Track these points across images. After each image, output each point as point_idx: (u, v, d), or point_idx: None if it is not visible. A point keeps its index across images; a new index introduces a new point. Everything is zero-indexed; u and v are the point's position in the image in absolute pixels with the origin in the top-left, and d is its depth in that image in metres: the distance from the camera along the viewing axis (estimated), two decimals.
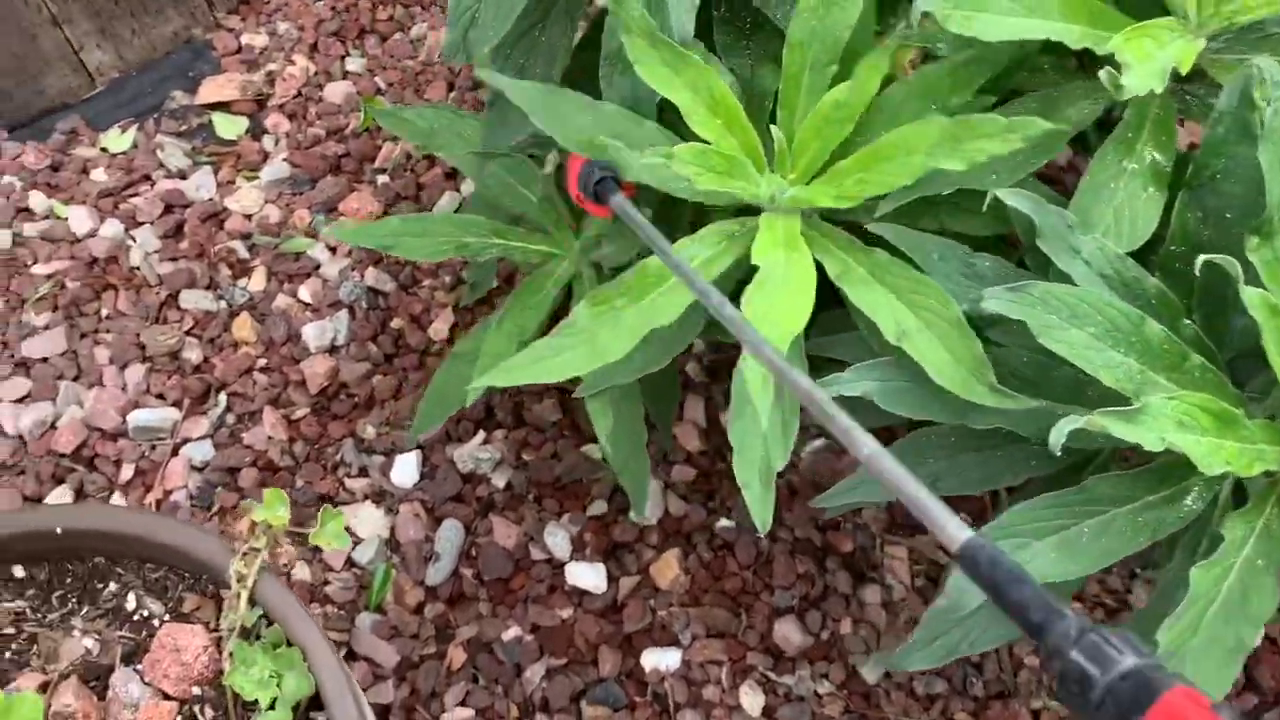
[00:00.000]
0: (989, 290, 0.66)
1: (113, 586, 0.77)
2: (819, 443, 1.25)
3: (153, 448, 1.25)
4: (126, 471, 1.24)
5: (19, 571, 0.77)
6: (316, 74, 1.50)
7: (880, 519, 1.21)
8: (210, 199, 1.41)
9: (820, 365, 0.81)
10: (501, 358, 0.89)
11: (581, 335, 0.70)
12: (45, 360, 1.30)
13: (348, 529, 1.22)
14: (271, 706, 0.70)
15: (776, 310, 0.68)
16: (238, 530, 0.75)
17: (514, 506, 1.22)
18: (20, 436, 1.26)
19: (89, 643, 0.76)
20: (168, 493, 1.23)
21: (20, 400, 1.28)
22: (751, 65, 0.83)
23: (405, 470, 1.24)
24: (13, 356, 1.31)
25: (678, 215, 0.85)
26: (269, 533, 0.70)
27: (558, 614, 1.16)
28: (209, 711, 0.73)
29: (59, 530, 0.74)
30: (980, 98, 0.75)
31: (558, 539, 1.18)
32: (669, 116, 0.77)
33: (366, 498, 1.23)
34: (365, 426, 1.27)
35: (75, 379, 1.29)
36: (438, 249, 0.93)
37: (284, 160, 1.42)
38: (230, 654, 0.71)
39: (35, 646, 0.75)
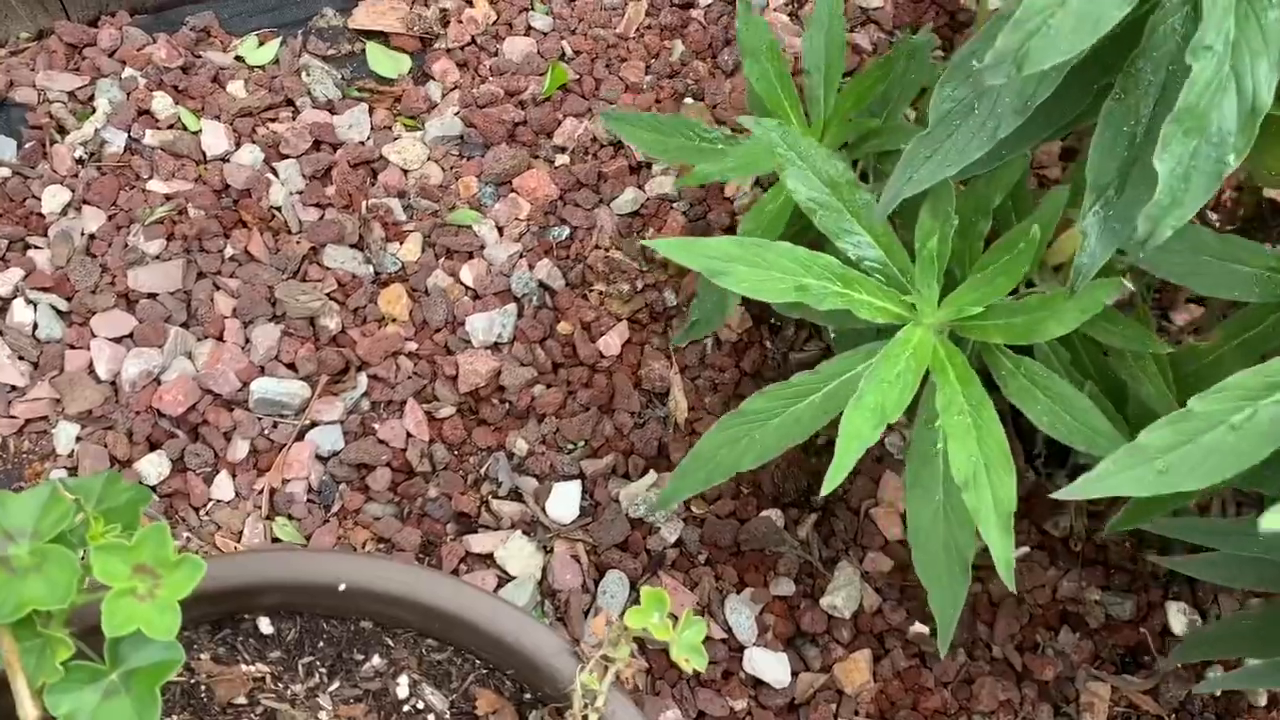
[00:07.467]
0: None
1: (376, 661, 0.60)
2: (1023, 549, 1.12)
3: (274, 425, 1.06)
4: (239, 448, 1.04)
5: (266, 626, 0.58)
6: (496, 23, 1.31)
7: (1084, 648, 1.08)
8: (363, 142, 1.21)
9: None
10: (863, 440, 0.73)
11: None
12: (154, 297, 1.09)
13: (493, 559, 1.04)
14: None
15: None
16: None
17: (685, 568, 1.06)
18: (113, 383, 1.06)
19: None
20: (285, 481, 1.04)
21: (119, 339, 1.07)
22: None
23: (565, 501, 1.07)
24: (113, 284, 1.10)
25: None
26: (631, 640, 0.53)
27: (729, 704, 1.00)
28: None
29: (342, 588, 0.56)
30: None
31: (741, 618, 1.02)
32: None
33: (515, 526, 1.06)
34: (517, 440, 1.10)
35: (186, 325, 1.09)
36: (774, 285, 0.76)
37: (454, 115, 1.23)
38: None
39: None
